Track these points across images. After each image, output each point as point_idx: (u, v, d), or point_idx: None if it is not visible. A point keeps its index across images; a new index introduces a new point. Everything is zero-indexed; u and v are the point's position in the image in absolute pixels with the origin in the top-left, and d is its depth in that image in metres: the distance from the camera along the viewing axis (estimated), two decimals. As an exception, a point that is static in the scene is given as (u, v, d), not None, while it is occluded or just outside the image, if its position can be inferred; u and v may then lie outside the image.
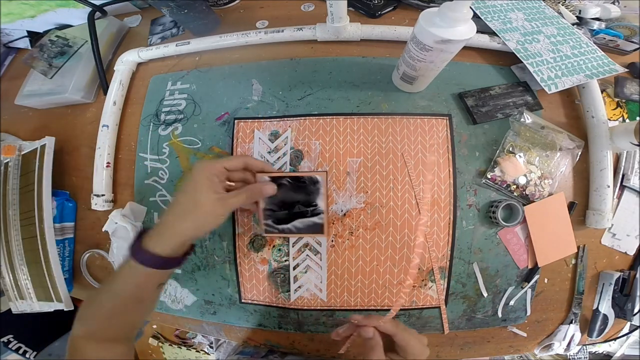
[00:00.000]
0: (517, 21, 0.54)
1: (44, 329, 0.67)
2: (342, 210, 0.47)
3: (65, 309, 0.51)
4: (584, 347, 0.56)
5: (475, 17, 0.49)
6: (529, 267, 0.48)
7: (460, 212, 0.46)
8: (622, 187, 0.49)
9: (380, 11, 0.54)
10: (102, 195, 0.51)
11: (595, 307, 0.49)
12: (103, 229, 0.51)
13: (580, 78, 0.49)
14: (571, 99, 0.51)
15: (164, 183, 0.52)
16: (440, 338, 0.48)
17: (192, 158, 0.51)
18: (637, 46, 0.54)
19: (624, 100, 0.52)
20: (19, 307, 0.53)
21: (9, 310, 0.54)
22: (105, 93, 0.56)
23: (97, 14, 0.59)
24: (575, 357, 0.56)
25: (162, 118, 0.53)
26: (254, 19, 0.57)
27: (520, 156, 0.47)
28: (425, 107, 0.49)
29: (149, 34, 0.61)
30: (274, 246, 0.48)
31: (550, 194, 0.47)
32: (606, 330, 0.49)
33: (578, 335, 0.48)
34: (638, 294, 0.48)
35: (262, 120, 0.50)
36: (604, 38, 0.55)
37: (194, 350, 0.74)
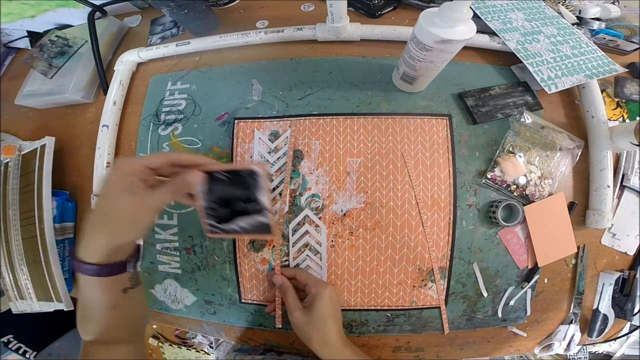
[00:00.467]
0: (517, 21, 0.54)
1: (44, 329, 0.67)
2: (342, 210, 0.47)
3: (65, 309, 0.51)
4: (584, 347, 0.56)
5: (475, 17, 0.49)
6: (529, 267, 0.48)
7: (460, 212, 0.46)
8: (622, 187, 0.49)
9: (380, 11, 0.54)
10: (102, 195, 0.51)
11: (595, 307, 0.49)
12: (103, 229, 0.51)
13: (580, 78, 0.49)
14: (571, 99, 0.51)
15: (164, 183, 0.52)
16: (440, 338, 0.48)
17: (192, 158, 0.51)
18: (637, 46, 0.54)
19: (624, 100, 0.52)
20: (19, 307, 0.53)
21: (9, 310, 0.54)
22: (105, 93, 0.56)
23: (97, 14, 0.59)
24: (575, 357, 0.56)
25: (162, 118, 0.53)
26: (254, 19, 0.57)
27: (520, 156, 0.47)
28: (425, 107, 0.49)
29: (149, 34, 0.61)
30: (273, 246, 0.48)
31: (550, 194, 0.47)
32: (606, 330, 0.49)
33: (578, 335, 0.48)
34: (638, 294, 0.48)
35: (262, 120, 0.50)
36: (604, 38, 0.55)
37: (194, 350, 0.74)
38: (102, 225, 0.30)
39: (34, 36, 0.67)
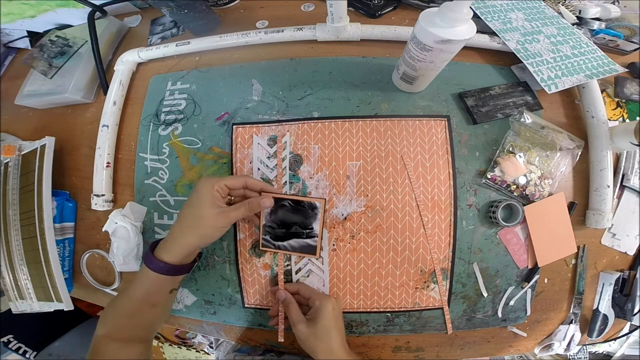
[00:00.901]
0: (517, 21, 0.54)
1: (44, 329, 0.67)
2: (342, 214, 0.47)
3: (65, 309, 0.51)
4: (584, 347, 0.56)
5: (475, 17, 0.49)
6: (529, 267, 0.48)
7: (460, 212, 0.46)
8: (622, 187, 0.49)
9: (380, 11, 0.54)
10: (102, 195, 0.51)
11: (595, 307, 0.49)
12: (103, 229, 0.51)
13: (580, 78, 0.49)
14: (571, 99, 0.51)
15: (164, 183, 0.52)
16: (440, 338, 0.48)
17: (192, 158, 0.51)
18: (637, 46, 0.54)
19: (624, 100, 0.52)
20: (19, 307, 0.53)
21: (9, 310, 0.54)
22: (105, 93, 0.56)
23: (97, 14, 0.59)
24: (575, 357, 0.56)
25: (162, 118, 0.53)
26: (254, 19, 0.57)
27: (520, 156, 0.47)
28: (425, 107, 0.49)
29: (149, 34, 0.61)
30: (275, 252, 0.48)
31: (550, 194, 0.47)
32: (606, 330, 0.49)
33: (578, 335, 0.48)
34: (638, 294, 0.48)
35: (260, 125, 0.50)
36: (604, 38, 0.55)
37: (194, 350, 0.74)
38: (193, 229, 0.38)
39: (34, 36, 0.67)
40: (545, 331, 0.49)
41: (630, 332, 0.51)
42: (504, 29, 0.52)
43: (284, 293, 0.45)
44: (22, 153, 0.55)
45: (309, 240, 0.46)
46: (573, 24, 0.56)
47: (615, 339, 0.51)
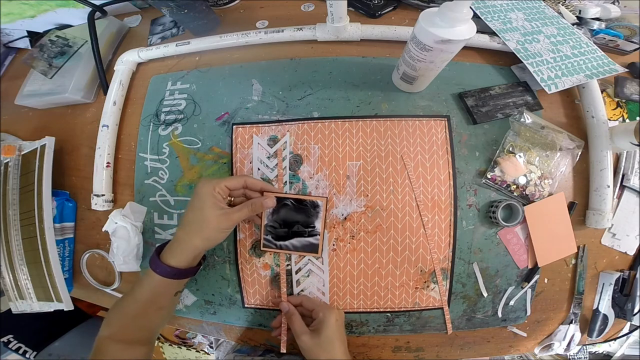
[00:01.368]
0: (517, 21, 0.54)
1: (44, 329, 0.67)
2: (342, 214, 0.47)
3: (65, 309, 0.51)
4: (584, 347, 0.56)
5: (475, 17, 0.49)
6: (529, 267, 0.48)
7: (460, 212, 0.46)
8: (622, 187, 0.49)
9: (380, 11, 0.54)
10: (102, 195, 0.51)
11: (595, 307, 0.49)
12: (103, 229, 0.51)
13: (580, 78, 0.49)
14: (571, 99, 0.51)
15: (164, 183, 0.52)
16: (441, 338, 0.48)
17: (192, 158, 0.51)
18: (637, 46, 0.54)
19: (624, 100, 0.52)
20: (19, 307, 0.53)
21: (9, 310, 0.54)
22: (105, 93, 0.56)
23: (97, 14, 0.59)
24: (575, 357, 0.56)
25: (162, 118, 0.53)
26: (254, 19, 0.57)
27: (520, 156, 0.47)
28: (425, 107, 0.49)
29: (149, 34, 0.61)
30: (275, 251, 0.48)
31: (550, 194, 0.47)
32: (606, 330, 0.49)
33: (578, 335, 0.48)
34: (638, 294, 0.48)
35: (260, 125, 0.50)
36: (604, 38, 0.55)
37: (194, 350, 0.74)
38: (197, 232, 0.39)
39: (34, 36, 0.67)
40: (545, 331, 0.49)
41: (630, 332, 0.51)
42: (504, 29, 0.52)
43: (287, 305, 0.45)
44: (22, 153, 0.55)
45: (310, 239, 0.46)
46: (573, 24, 0.56)
47: (615, 339, 0.51)
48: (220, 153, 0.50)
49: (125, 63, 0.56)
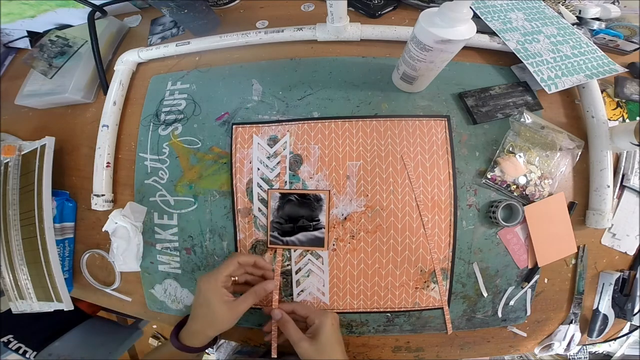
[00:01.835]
0: (517, 21, 0.54)
1: (44, 329, 0.67)
2: (342, 214, 0.47)
3: (65, 309, 0.51)
4: (584, 347, 0.56)
5: (475, 17, 0.49)
6: (529, 267, 0.48)
7: (460, 212, 0.46)
8: (622, 187, 0.49)
9: (380, 11, 0.54)
10: (102, 195, 0.51)
11: (595, 307, 0.49)
12: (103, 229, 0.51)
13: (580, 78, 0.49)
14: (571, 99, 0.51)
15: (164, 183, 0.52)
16: (440, 338, 0.48)
17: (192, 158, 0.51)
18: (637, 46, 0.54)
19: (624, 100, 0.52)
20: (19, 307, 0.53)
21: (9, 310, 0.54)
22: (105, 93, 0.56)
23: (97, 14, 0.59)
24: (575, 357, 0.57)
25: (162, 118, 0.53)
26: (254, 19, 0.57)
27: (520, 156, 0.47)
28: (425, 107, 0.49)
29: (149, 34, 0.61)
30: (275, 251, 0.48)
31: (550, 194, 0.47)
32: (606, 330, 0.49)
33: (578, 335, 0.48)
34: (638, 294, 0.48)
35: (260, 125, 0.50)
36: (604, 38, 0.55)
37: (194, 350, 0.74)
38: (209, 326, 0.42)
39: (34, 36, 0.67)
40: (545, 331, 0.49)
41: (630, 332, 0.51)
42: (504, 29, 0.52)
43: (280, 312, 0.44)
44: (22, 153, 0.55)
45: (316, 233, 0.47)
46: (573, 24, 0.56)
47: (615, 339, 0.51)
48: (220, 153, 0.50)
49: (125, 63, 0.56)
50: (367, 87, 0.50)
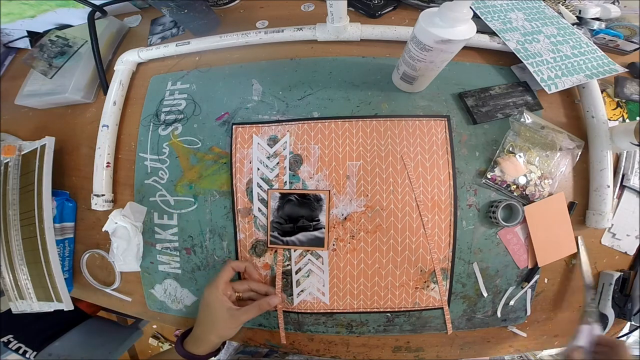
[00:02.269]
0: (517, 21, 0.54)
1: (44, 329, 0.67)
2: (342, 214, 0.47)
3: (65, 309, 0.51)
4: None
5: (475, 17, 0.49)
6: (529, 267, 0.48)
7: (460, 212, 0.46)
8: (622, 187, 0.49)
9: (380, 11, 0.54)
10: (102, 195, 0.51)
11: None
12: (103, 229, 0.51)
13: (580, 78, 0.49)
14: (571, 99, 0.51)
15: (164, 183, 0.52)
16: (440, 338, 0.48)
17: (192, 158, 0.51)
18: (637, 46, 0.54)
19: (624, 100, 0.52)
20: (19, 307, 0.53)
21: (9, 310, 0.54)
22: (105, 93, 0.56)
23: (97, 14, 0.59)
24: (575, 357, 0.56)
25: (162, 118, 0.53)
26: (254, 19, 0.57)
27: (520, 156, 0.47)
28: (425, 107, 0.49)
29: (149, 34, 0.61)
30: (276, 251, 0.48)
31: (550, 194, 0.47)
32: (606, 330, 0.49)
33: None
34: (638, 294, 0.48)
35: (260, 125, 0.50)
36: (604, 38, 0.55)
37: (194, 350, 0.74)
38: (212, 331, 0.43)
39: (34, 36, 0.67)
40: (546, 331, 0.49)
41: (630, 332, 0.50)
42: (504, 29, 0.52)
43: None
44: (22, 153, 0.55)
45: (316, 233, 0.47)
46: (573, 24, 0.56)
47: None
48: (220, 153, 0.50)
49: (125, 63, 0.56)
50: (367, 87, 0.50)
